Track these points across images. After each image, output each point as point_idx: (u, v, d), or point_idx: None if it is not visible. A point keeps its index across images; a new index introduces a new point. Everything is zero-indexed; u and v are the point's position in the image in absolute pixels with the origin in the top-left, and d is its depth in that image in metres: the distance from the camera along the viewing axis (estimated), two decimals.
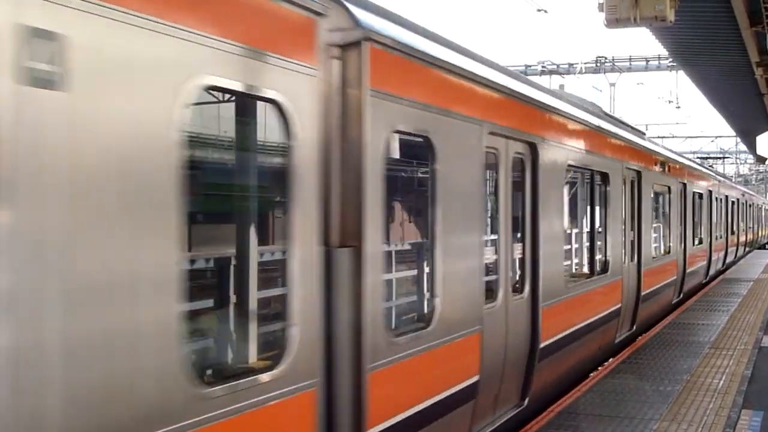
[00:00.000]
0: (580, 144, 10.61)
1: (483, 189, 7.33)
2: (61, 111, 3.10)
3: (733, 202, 33.29)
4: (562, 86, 31.73)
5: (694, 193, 21.67)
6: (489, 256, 7.67)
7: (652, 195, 15.69)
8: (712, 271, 26.03)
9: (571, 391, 9.91)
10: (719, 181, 29.88)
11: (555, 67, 36.80)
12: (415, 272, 6.64)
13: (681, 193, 19.51)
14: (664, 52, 28.46)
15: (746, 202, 41.06)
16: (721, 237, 28.82)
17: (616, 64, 36.52)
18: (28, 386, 2.99)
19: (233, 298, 5.59)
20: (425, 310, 6.32)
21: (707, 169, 29.71)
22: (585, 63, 37.10)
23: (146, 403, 3.53)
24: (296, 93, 4.64)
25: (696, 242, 22.23)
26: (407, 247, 8.15)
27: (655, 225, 16.34)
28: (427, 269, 6.54)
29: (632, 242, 14.05)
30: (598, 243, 12.12)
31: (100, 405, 3.30)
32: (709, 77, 23.84)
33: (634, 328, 14.12)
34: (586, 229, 12.32)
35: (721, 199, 28.90)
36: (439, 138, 6.34)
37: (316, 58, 4.88)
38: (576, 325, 10.22)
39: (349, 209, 5.19)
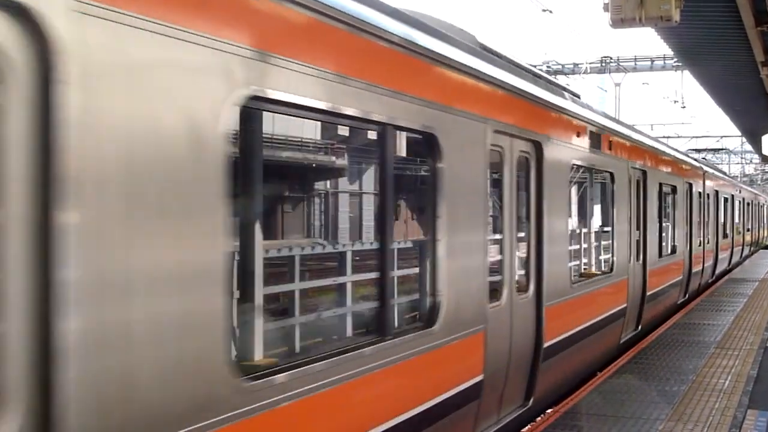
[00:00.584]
0: (585, 143, 10.59)
1: (488, 188, 7.33)
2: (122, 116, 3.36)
3: (738, 202, 33.21)
4: (567, 86, 31.73)
5: (699, 192, 21.66)
6: (493, 255, 7.67)
7: (657, 195, 15.73)
8: (718, 271, 26.03)
9: (575, 392, 9.91)
10: (725, 180, 29.86)
11: (560, 67, 36.78)
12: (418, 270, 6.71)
13: (687, 192, 19.50)
14: (670, 52, 28.42)
15: (752, 201, 40.97)
16: (726, 237, 28.77)
17: (621, 64, 36.48)
18: (93, 372, 3.18)
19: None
20: (430, 309, 6.38)
21: (713, 167, 29.64)
22: (590, 63, 37.08)
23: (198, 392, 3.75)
24: None
25: (701, 242, 22.19)
26: (410, 245, 8.14)
27: (660, 225, 16.33)
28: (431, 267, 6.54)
29: (637, 242, 14.01)
30: (603, 243, 12.15)
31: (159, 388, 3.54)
32: (715, 77, 23.79)
33: (639, 328, 14.11)
34: (591, 228, 12.33)
35: (727, 199, 28.85)
36: (444, 135, 6.35)
37: None
38: (581, 325, 10.21)
39: None
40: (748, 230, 38.22)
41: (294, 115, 4.85)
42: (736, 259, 32.41)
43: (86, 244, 3.18)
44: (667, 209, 17.75)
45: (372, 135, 5.94)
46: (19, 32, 2.98)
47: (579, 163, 10.27)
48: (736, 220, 32.60)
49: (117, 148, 3.33)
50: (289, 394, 4.40)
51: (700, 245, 21.58)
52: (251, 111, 4.48)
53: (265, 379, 4.25)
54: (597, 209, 12.42)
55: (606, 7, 12.07)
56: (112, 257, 3.31)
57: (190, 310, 3.72)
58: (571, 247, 10.16)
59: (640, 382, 10.39)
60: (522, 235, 8.49)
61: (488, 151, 7.29)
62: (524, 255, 8.55)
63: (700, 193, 21.73)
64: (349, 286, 8.20)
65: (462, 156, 6.75)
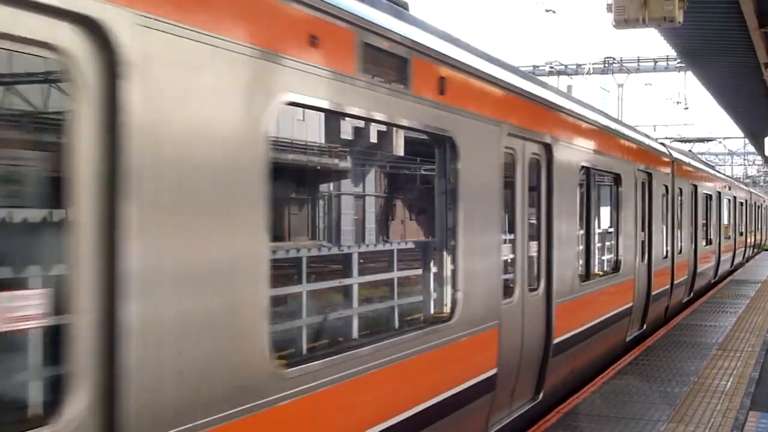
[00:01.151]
0: (592, 145, 10.79)
1: (502, 188, 7.59)
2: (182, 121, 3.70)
3: (741, 204, 33.17)
4: (569, 87, 31.71)
5: (704, 194, 21.73)
6: (506, 253, 7.92)
7: (662, 196, 15.90)
8: (720, 272, 26.04)
9: (581, 390, 9.91)
10: (728, 182, 29.83)
11: (563, 67, 36.76)
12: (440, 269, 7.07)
13: (692, 194, 19.59)
14: (673, 53, 28.42)
15: (755, 203, 40.94)
16: (729, 238, 28.77)
17: (624, 64, 36.46)
18: (151, 355, 3.48)
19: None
20: (449, 304, 6.67)
21: (716, 170, 29.63)
22: (593, 64, 37.06)
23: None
24: None
25: (705, 243, 22.35)
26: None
27: (665, 226, 16.49)
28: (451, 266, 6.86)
29: (643, 242, 14.24)
30: (611, 243, 12.35)
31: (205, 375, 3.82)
32: (718, 78, 23.78)
33: (645, 327, 14.33)
34: (599, 229, 12.47)
35: (730, 201, 28.85)
36: (462, 138, 6.63)
37: None
38: (589, 322, 10.43)
39: None
40: (750, 232, 38.01)
41: (332, 117, 5.07)
42: (738, 260, 32.29)
43: (145, 237, 3.47)
44: (672, 210, 17.80)
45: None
46: (91, 43, 3.28)
47: (587, 165, 10.50)
48: (739, 221, 32.42)
49: (172, 149, 3.64)
50: (321, 381, 4.72)
51: (704, 246, 21.57)
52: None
53: (300, 367, 4.59)
54: (604, 210, 12.55)
55: (609, 8, 12.07)
56: (167, 250, 3.61)
57: (237, 301, 4.03)
58: (579, 247, 10.44)
59: (642, 383, 10.39)
60: (532, 234, 8.71)
61: (502, 154, 7.57)
62: (534, 254, 8.78)
63: (704, 194, 21.69)
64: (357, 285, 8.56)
65: (478, 158, 7.04)
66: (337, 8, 4.95)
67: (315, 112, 5.21)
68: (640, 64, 36.87)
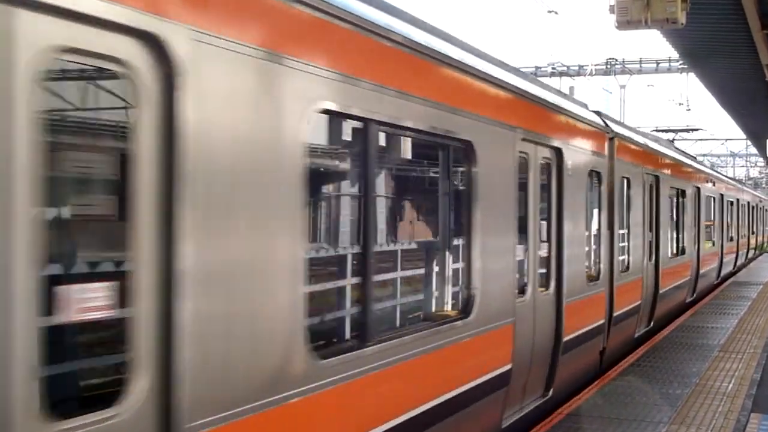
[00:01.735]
0: (601, 149, 11.06)
1: (516, 191, 7.94)
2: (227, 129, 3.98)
3: (743, 205, 33.14)
4: (572, 88, 31.70)
5: (707, 196, 21.94)
6: (520, 253, 8.21)
7: (669, 198, 16.22)
8: (723, 273, 26.12)
9: (579, 394, 9.90)
10: (731, 184, 29.82)
11: (565, 68, 36.73)
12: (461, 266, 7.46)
13: (695, 196, 19.79)
14: (675, 55, 28.39)
15: (756, 205, 40.89)
16: (732, 239, 28.78)
17: (626, 66, 36.43)
18: (202, 346, 3.77)
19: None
20: (467, 301, 6.97)
21: (718, 172, 29.63)
22: (595, 65, 37.03)
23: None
24: None
25: (709, 244, 22.59)
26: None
27: (671, 227, 16.79)
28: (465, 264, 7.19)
29: (650, 243, 14.54)
30: (620, 243, 12.56)
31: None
32: (720, 80, 23.76)
33: (652, 324, 14.69)
34: (607, 230, 12.72)
35: (732, 202, 28.85)
36: (480, 144, 6.93)
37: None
38: (597, 321, 10.72)
39: None
40: (752, 233, 37.86)
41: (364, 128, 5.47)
42: (741, 261, 32.25)
43: (197, 238, 3.74)
44: (677, 212, 17.97)
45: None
46: (151, 56, 3.56)
47: (597, 169, 10.80)
48: (741, 223, 32.35)
49: (220, 154, 3.92)
50: (354, 372, 5.07)
51: (707, 247, 21.58)
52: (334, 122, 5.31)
53: (334, 358, 4.92)
54: (613, 212, 12.73)
55: (612, 9, 12.07)
56: (216, 250, 3.89)
57: (279, 298, 4.35)
58: (588, 248, 10.75)
59: (644, 384, 10.38)
60: (543, 235, 9.02)
61: (516, 158, 7.89)
62: (545, 254, 9.08)
63: (707, 196, 21.69)
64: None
65: (495, 162, 7.38)
66: (355, 15, 5.16)
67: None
68: (643, 65, 36.79)
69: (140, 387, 3.52)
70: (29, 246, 3.06)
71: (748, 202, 35.86)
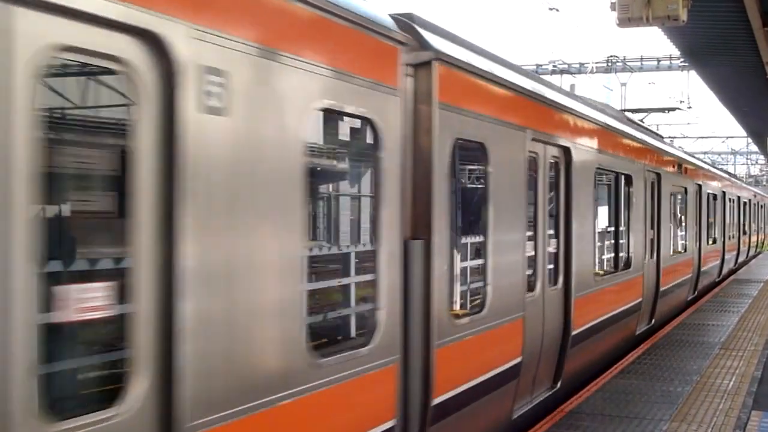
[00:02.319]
0: (606, 148, 11.30)
1: (527, 190, 8.15)
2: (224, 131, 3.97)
3: (744, 203, 33.12)
4: (573, 86, 31.69)
5: (708, 194, 21.96)
6: (530, 250, 8.43)
7: (670, 196, 16.33)
8: (724, 271, 26.10)
9: (579, 392, 9.91)
10: (732, 182, 29.79)
11: (566, 66, 36.70)
12: (475, 263, 7.90)
13: (696, 194, 19.85)
14: (676, 52, 28.35)
15: (758, 203, 40.87)
16: (733, 237, 28.75)
17: (627, 63, 36.40)
18: (203, 345, 3.77)
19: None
20: (480, 297, 7.19)
21: (719, 170, 29.60)
22: (596, 62, 36.99)
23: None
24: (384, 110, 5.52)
25: (710, 242, 22.59)
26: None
27: (672, 224, 16.86)
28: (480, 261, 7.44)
29: (652, 240, 14.67)
30: (622, 241, 12.88)
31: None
32: (721, 77, 23.74)
33: (653, 322, 14.79)
34: (611, 227, 13.00)
35: (733, 200, 28.82)
36: (492, 144, 7.12)
37: (397, 78, 5.66)
38: (602, 316, 10.97)
39: (420, 207, 6.01)
40: (753, 231, 37.76)
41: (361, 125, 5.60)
42: (742, 258, 32.20)
43: (198, 237, 3.74)
44: (679, 210, 18.06)
45: None
46: (151, 54, 3.55)
47: (601, 166, 11.04)
48: (743, 221, 32.26)
49: (222, 152, 3.92)
50: (363, 368, 5.13)
51: (708, 245, 21.58)
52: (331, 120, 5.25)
53: (338, 356, 4.97)
54: (616, 210, 12.93)
55: (613, 7, 12.05)
56: (217, 249, 3.89)
57: (278, 298, 4.36)
58: (594, 244, 10.98)
59: (644, 382, 10.38)
60: (552, 232, 9.28)
61: (527, 158, 8.09)
62: (554, 250, 9.33)
63: (708, 194, 21.63)
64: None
65: (507, 162, 7.58)
66: (372, 22, 5.27)
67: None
68: (644, 62, 36.74)
69: (140, 386, 3.51)
70: (28, 243, 3.03)
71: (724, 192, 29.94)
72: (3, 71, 2.98)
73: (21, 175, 3.01)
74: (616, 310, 11.86)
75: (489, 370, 7.15)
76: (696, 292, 20.22)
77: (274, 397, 4.28)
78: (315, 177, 7.16)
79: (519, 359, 7.81)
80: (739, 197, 30.66)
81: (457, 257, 7.65)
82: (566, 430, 8.21)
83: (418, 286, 5.86)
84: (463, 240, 8.46)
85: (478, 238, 7.56)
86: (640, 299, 13.53)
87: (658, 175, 15.06)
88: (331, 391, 4.79)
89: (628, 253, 13.00)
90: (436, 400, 6.11)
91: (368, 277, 5.79)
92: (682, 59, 31.72)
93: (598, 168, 10.87)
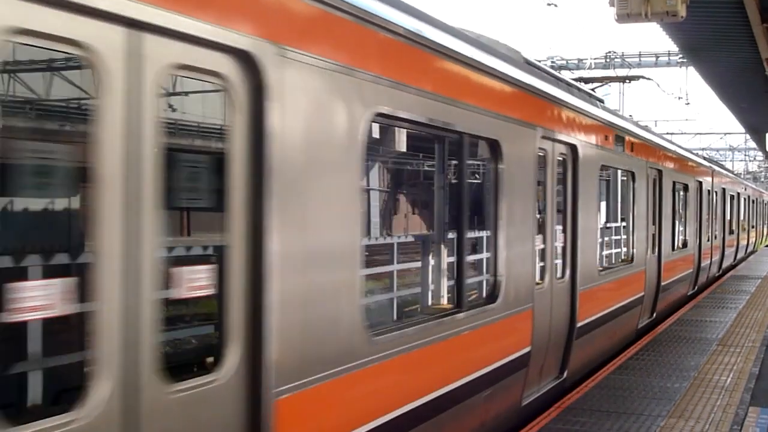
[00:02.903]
0: (611, 145, 11.65)
1: (536, 186, 8.54)
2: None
3: (744, 200, 33.13)
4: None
5: (708, 190, 22.15)
6: (538, 243, 8.81)
7: (671, 192, 16.61)
8: (724, 265, 26.23)
9: (577, 387, 9.91)
10: (731, 178, 29.82)
11: (564, 62, 36.67)
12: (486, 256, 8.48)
13: (697, 190, 20.05)
14: (675, 48, 28.32)
15: (757, 199, 40.88)
16: (732, 233, 28.81)
17: (625, 59, 36.37)
18: (285, 320, 4.33)
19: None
20: (496, 287, 7.62)
21: (719, 166, 29.61)
22: (594, 58, 36.95)
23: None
24: None
25: (710, 237, 22.75)
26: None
27: (673, 220, 17.09)
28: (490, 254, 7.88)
29: (653, 236, 14.95)
30: (625, 236, 13.35)
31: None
32: (720, 73, 23.72)
33: (654, 315, 15.14)
34: (615, 223, 13.52)
35: (733, 196, 28.88)
36: (506, 142, 7.53)
37: None
38: (606, 309, 11.37)
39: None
40: (752, 227, 37.73)
41: (408, 128, 6.22)
42: (741, 255, 32.18)
43: (281, 227, 4.30)
44: (679, 206, 18.27)
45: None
46: (244, 71, 4.13)
47: (606, 163, 11.43)
48: (741, 217, 32.22)
49: (300, 154, 4.51)
50: (404, 347, 5.72)
51: (708, 240, 21.58)
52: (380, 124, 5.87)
53: (387, 335, 5.57)
54: (619, 205, 13.11)
55: (612, 2, 12.03)
56: (296, 237, 4.47)
57: (344, 281, 4.97)
58: (599, 239, 11.39)
59: (642, 378, 10.38)
60: (559, 226, 9.66)
61: (537, 155, 8.48)
62: (561, 244, 9.72)
63: (708, 190, 21.63)
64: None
65: (519, 159, 7.97)
66: (401, 27, 5.72)
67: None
68: (642, 58, 36.74)
69: (233, 356, 4.07)
70: (153, 235, 3.62)
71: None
72: (136, 87, 3.53)
73: (148, 178, 3.59)
74: (620, 304, 12.19)
75: (500, 358, 7.61)
76: (696, 287, 20.52)
77: (339, 368, 4.87)
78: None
79: (528, 348, 8.25)
80: (738, 193, 30.63)
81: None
82: (564, 426, 8.20)
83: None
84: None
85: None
86: (642, 293, 13.79)
87: (660, 171, 15.33)
88: (384, 364, 5.47)
89: (631, 248, 13.33)
90: (460, 382, 6.78)
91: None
92: (680, 55, 31.71)
93: (603, 165, 11.22)
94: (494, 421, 7.72)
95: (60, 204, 5.56)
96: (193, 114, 4.97)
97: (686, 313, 16.90)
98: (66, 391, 4.04)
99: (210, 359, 4.24)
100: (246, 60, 4.12)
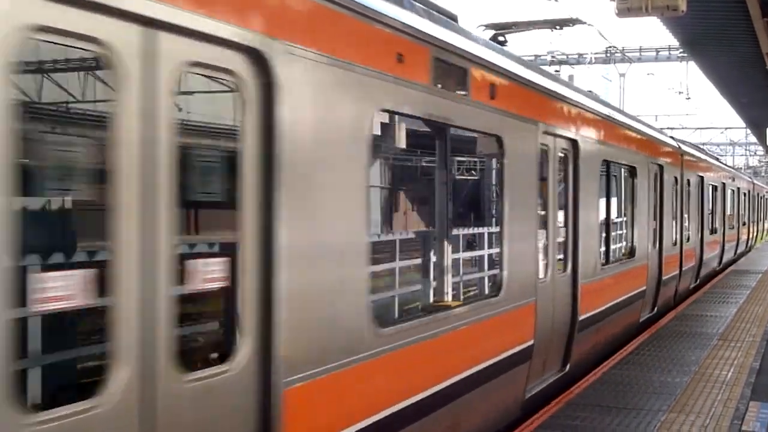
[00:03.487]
0: (612, 140, 11.72)
1: (539, 181, 8.62)
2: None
3: (744, 194, 33.10)
4: (571, 77, 31.62)
5: (710, 185, 22.12)
6: (541, 237, 8.91)
7: (672, 187, 16.59)
8: (724, 260, 26.22)
9: (578, 383, 9.91)
10: (732, 173, 29.80)
11: (565, 57, 36.64)
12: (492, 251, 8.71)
13: (698, 185, 20.02)
14: (675, 43, 28.34)
15: (757, 194, 40.84)
16: (733, 228, 28.76)
17: (626, 54, 36.34)
18: (294, 313, 4.47)
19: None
20: (499, 281, 7.78)
21: (721, 162, 29.61)
22: (595, 53, 36.93)
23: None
24: None
25: (711, 232, 22.72)
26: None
27: (675, 215, 17.04)
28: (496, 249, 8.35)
29: (654, 230, 14.93)
30: (627, 231, 13.37)
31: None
32: (720, 68, 23.72)
33: (656, 309, 15.17)
34: (617, 218, 13.48)
35: (734, 191, 28.85)
36: (508, 137, 7.63)
37: None
38: (608, 303, 11.46)
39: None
40: (753, 222, 37.63)
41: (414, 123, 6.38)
42: (741, 249, 32.17)
43: (290, 221, 4.42)
44: (681, 201, 18.16)
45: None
46: (255, 69, 4.25)
47: (607, 158, 11.50)
48: (742, 211, 32.17)
49: (308, 148, 4.62)
50: (408, 339, 5.85)
51: (710, 235, 21.58)
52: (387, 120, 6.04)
53: (393, 327, 5.76)
54: (621, 200, 13.31)
55: None
56: (305, 232, 4.59)
57: (351, 276, 5.12)
58: (601, 234, 11.42)
59: (642, 373, 10.38)
60: (560, 220, 9.75)
61: (539, 150, 8.57)
62: (562, 238, 9.78)
63: (710, 185, 21.59)
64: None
65: (521, 154, 8.09)
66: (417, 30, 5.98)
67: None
68: (642, 53, 36.72)
69: (245, 348, 4.22)
70: (169, 231, 3.75)
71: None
72: (151, 84, 3.64)
73: (164, 176, 3.70)
74: (621, 297, 12.29)
75: (504, 351, 7.74)
76: (698, 281, 20.52)
77: (347, 359, 5.03)
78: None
79: (531, 341, 8.38)
80: (738, 188, 30.59)
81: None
82: (564, 421, 8.20)
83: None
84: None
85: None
86: (644, 287, 13.85)
87: (661, 167, 15.25)
88: (391, 355, 5.64)
89: (633, 242, 13.35)
90: (467, 373, 6.92)
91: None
92: (681, 50, 31.68)
93: (604, 160, 11.32)
94: (499, 413, 7.86)
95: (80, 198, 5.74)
96: (206, 110, 5.13)
97: (686, 308, 16.89)
98: (89, 378, 4.28)
99: (217, 354, 4.40)
100: (256, 57, 4.23)
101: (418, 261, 11.04)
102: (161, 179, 3.70)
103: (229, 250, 4.35)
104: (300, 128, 4.53)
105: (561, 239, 9.71)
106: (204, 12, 3.89)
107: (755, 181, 43.57)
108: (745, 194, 33.24)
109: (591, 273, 10.50)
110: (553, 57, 35.78)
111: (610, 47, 36.17)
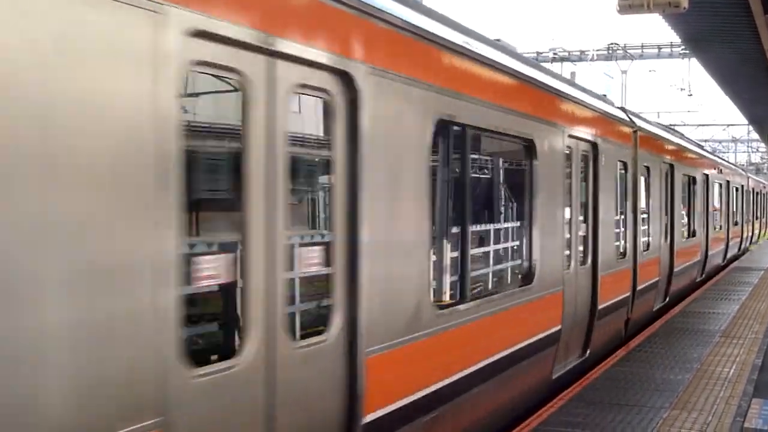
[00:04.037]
0: (628, 142, 12.70)
1: (565, 181, 9.58)
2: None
3: (747, 192, 33.07)
4: (573, 74, 31.60)
5: (715, 183, 22.87)
6: (566, 232, 9.82)
7: (681, 185, 17.73)
8: (729, 255, 26.45)
9: (579, 380, 9.91)
10: (735, 171, 29.84)
11: (567, 54, 36.60)
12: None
13: (704, 183, 20.80)
14: (677, 40, 28.29)
15: (760, 191, 40.80)
16: (737, 224, 28.92)
17: (628, 51, 36.29)
18: (371, 295, 5.34)
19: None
20: (533, 270, 8.65)
21: (725, 160, 29.66)
22: (597, 50, 36.90)
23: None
24: None
25: (716, 228, 23.57)
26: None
27: (684, 211, 18.21)
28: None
29: (666, 226, 15.95)
30: (642, 226, 14.08)
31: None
32: (722, 65, 23.66)
33: (667, 299, 16.21)
34: (632, 214, 13.79)
35: (738, 188, 28.92)
36: (539, 141, 8.53)
37: None
38: (624, 293, 12.37)
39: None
40: (757, 218, 37.52)
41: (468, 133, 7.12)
42: (745, 245, 32.14)
43: (369, 219, 5.24)
44: (689, 198, 19.26)
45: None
46: (342, 86, 5.10)
47: (624, 159, 12.42)
48: (746, 208, 32.10)
49: (383, 156, 5.49)
50: (463, 319, 6.83)
51: (715, 230, 21.56)
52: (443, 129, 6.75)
53: (449, 309, 6.71)
54: (636, 197, 13.75)
55: None
56: (378, 229, 5.38)
57: (417, 265, 6.02)
58: (617, 229, 12.32)
59: (644, 370, 10.38)
60: (582, 217, 10.56)
61: (564, 152, 9.47)
62: (583, 233, 10.62)
63: (715, 183, 21.60)
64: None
65: (550, 156, 8.96)
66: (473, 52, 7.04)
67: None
68: (644, 50, 36.67)
69: (336, 322, 5.10)
70: (283, 225, 4.55)
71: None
72: (272, 105, 4.44)
73: (281, 181, 4.52)
74: (638, 287, 13.24)
75: (537, 333, 8.64)
76: (704, 274, 21.19)
77: (410, 336, 5.91)
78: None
79: (559, 327, 9.28)
80: (742, 186, 30.58)
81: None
82: (566, 418, 8.20)
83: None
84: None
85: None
86: (657, 278, 14.95)
87: (672, 165, 16.35)
88: (448, 333, 6.57)
89: (647, 236, 14.32)
90: (505, 352, 7.78)
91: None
92: (683, 47, 31.65)
93: (621, 161, 12.27)
94: (531, 391, 8.79)
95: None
96: (301, 125, 5.93)
97: (689, 305, 16.89)
98: (226, 343, 5.11)
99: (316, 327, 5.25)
100: (344, 77, 5.06)
101: (473, 252, 12.04)
102: (279, 183, 4.50)
103: (324, 242, 5.21)
104: (378, 137, 5.34)
105: (582, 233, 10.51)
106: (308, 43, 4.70)
107: (751, 176, 43.47)
108: (737, 189, 33.09)
109: (608, 265, 11.33)
110: (555, 54, 35.75)
111: (611, 44, 36.12)
